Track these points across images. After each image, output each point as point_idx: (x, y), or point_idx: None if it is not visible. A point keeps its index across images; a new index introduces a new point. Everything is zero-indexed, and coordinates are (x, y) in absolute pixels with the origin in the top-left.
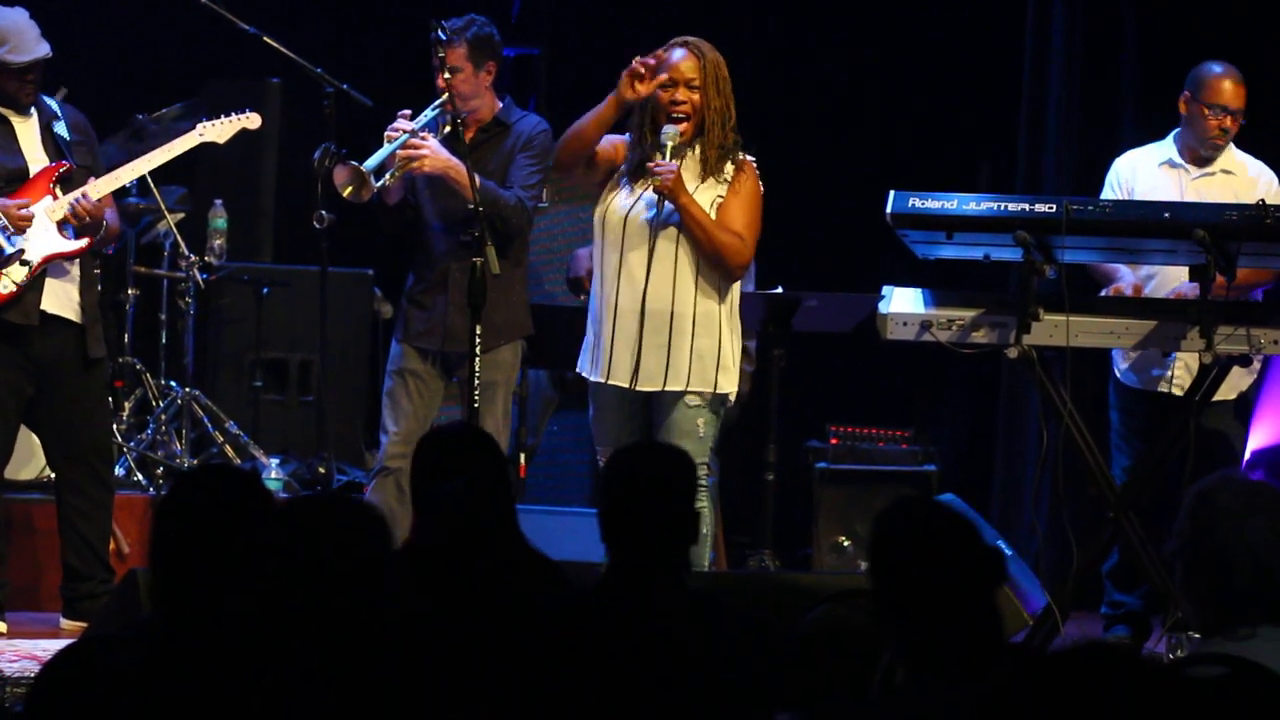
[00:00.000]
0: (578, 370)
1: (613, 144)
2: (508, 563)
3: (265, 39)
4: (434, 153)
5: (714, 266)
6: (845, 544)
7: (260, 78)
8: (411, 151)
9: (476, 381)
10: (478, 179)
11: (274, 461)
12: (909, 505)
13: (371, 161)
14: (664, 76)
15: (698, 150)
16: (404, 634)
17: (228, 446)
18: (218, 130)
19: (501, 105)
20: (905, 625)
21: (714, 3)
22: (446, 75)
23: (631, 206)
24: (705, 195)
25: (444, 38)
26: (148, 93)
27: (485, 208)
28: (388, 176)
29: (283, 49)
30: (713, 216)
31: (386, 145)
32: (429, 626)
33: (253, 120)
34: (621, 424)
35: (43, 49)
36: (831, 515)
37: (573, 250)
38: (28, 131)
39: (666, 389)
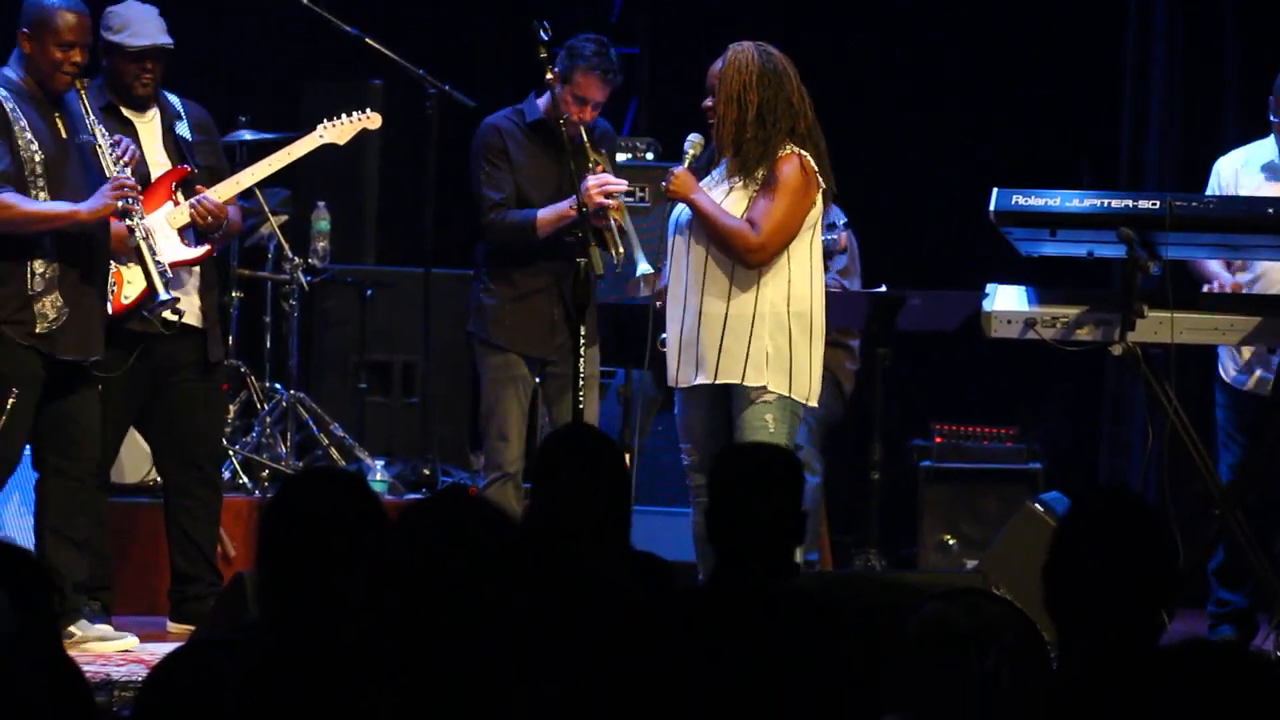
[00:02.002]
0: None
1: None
2: (616, 562)
3: (367, 40)
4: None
5: (727, 255)
6: (950, 542)
7: (362, 79)
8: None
9: (582, 379)
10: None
11: (379, 463)
12: (1113, 496)
13: (640, 255)
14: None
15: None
16: (512, 632)
17: (332, 449)
18: (337, 131)
19: None
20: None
21: (828, 7)
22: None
23: (679, 212)
24: (738, 196)
25: (545, 37)
26: (249, 95)
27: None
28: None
29: (385, 50)
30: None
31: (622, 222)
32: (538, 625)
33: (373, 120)
34: (697, 421)
35: (163, 37)
36: (936, 514)
37: None
38: (150, 133)
39: (708, 382)
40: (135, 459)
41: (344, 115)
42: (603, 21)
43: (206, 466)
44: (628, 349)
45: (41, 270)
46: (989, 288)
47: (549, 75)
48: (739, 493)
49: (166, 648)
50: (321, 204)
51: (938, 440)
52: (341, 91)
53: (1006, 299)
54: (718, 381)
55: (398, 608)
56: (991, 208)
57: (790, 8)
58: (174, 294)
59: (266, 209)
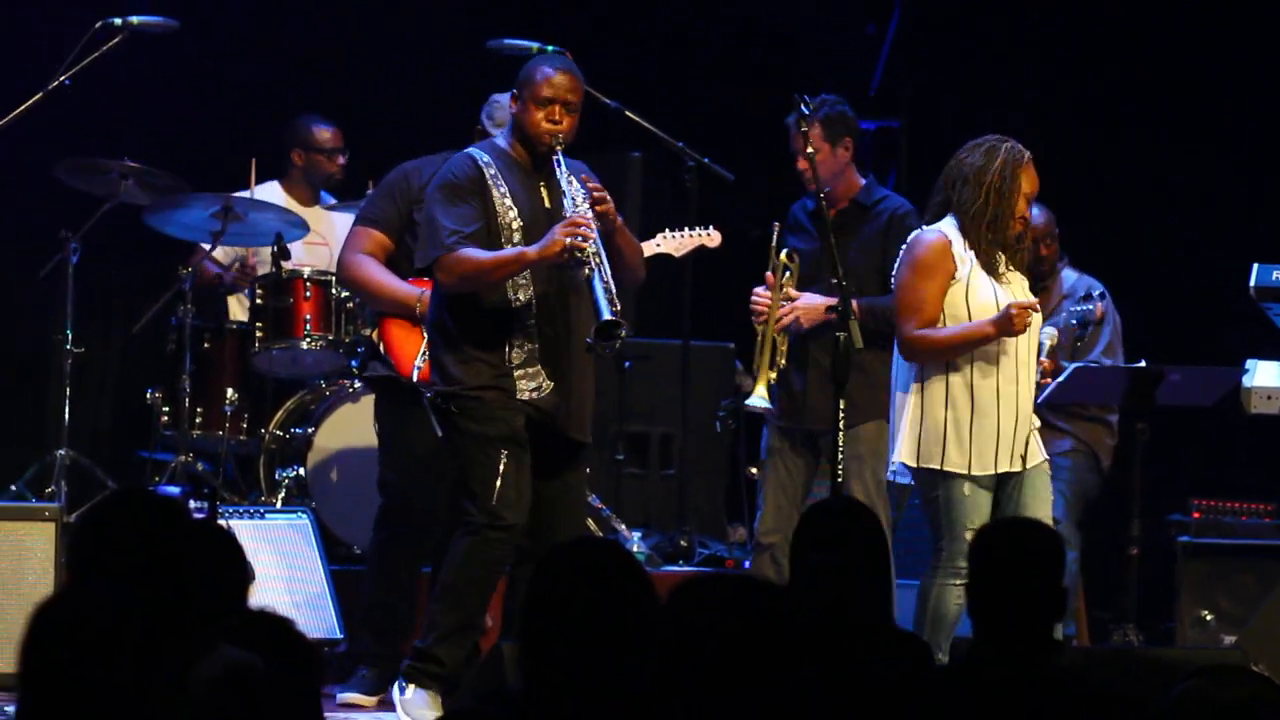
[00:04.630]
0: (943, 466)
1: (939, 246)
2: (876, 636)
3: (627, 113)
4: (804, 315)
5: None
6: (1208, 618)
7: (622, 151)
8: (787, 322)
9: (841, 456)
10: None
11: (636, 535)
12: None
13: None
14: (1029, 191)
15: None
16: (767, 706)
17: (589, 520)
18: (675, 243)
19: (863, 185)
20: None
21: (1070, 72)
22: (806, 157)
23: (1012, 298)
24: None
25: (806, 111)
26: None
27: (874, 324)
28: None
29: (644, 123)
30: None
31: (763, 340)
32: (795, 699)
33: (713, 239)
34: (987, 502)
35: None
36: (1195, 589)
37: None
38: None
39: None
40: None
41: (685, 229)
42: (862, 94)
43: None
44: None
45: (520, 344)
46: (1249, 363)
47: (810, 149)
48: (1002, 568)
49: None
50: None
51: (1196, 516)
52: (601, 164)
53: (1266, 375)
54: (1039, 461)
55: (665, 678)
56: (1252, 283)
57: (1046, 79)
58: (623, 319)
59: None
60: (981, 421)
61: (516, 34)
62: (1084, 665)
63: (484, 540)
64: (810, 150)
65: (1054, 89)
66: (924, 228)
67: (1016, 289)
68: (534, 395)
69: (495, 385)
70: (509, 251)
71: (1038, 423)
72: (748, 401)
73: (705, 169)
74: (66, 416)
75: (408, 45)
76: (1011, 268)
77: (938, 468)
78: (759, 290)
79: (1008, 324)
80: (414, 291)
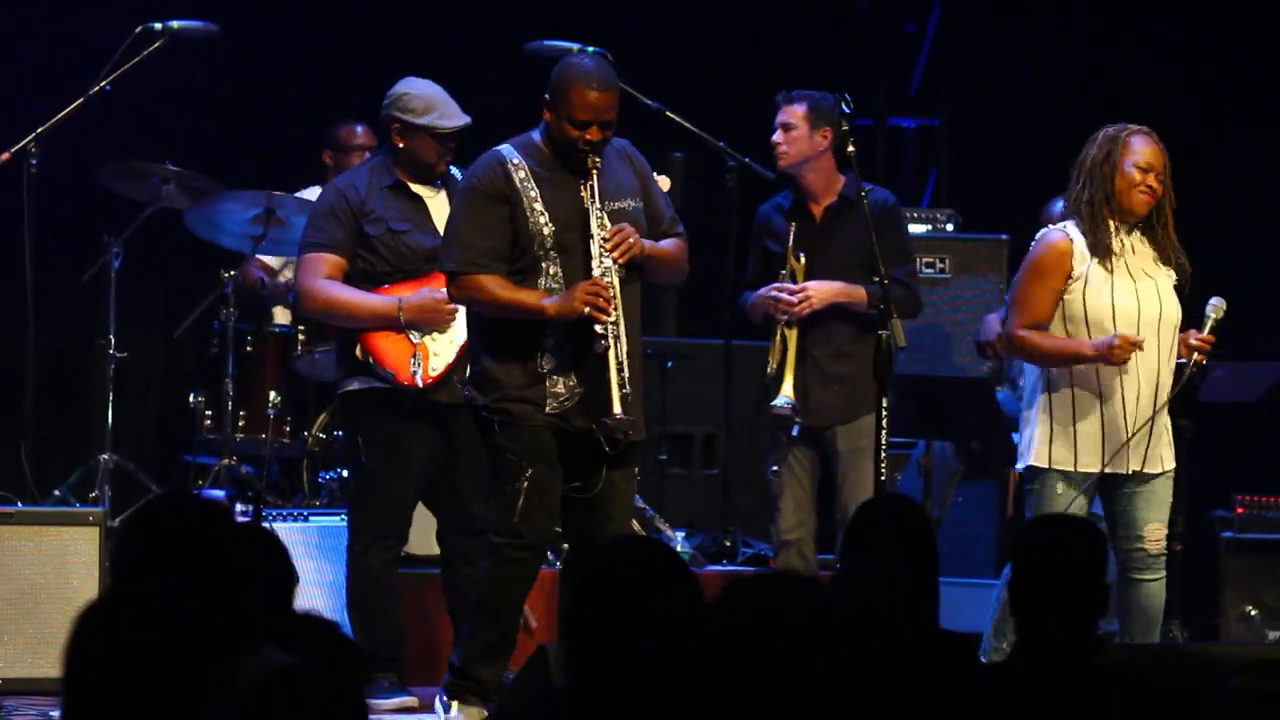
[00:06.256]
0: (1036, 460)
1: (1059, 248)
2: (917, 636)
3: (668, 113)
4: (816, 293)
5: None
6: (1253, 613)
7: (663, 152)
8: (794, 311)
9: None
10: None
11: (679, 535)
12: None
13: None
14: (1141, 161)
15: (1148, 238)
16: (809, 706)
17: (633, 520)
18: None
19: (845, 180)
20: None
21: (1112, 67)
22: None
23: (1136, 297)
24: (1168, 283)
25: (848, 110)
26: None
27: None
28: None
29: (685, 123)
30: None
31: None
32: (837, 697)
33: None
34: (1082, 506)
35: (465, 118)
36: (1239, 585)
37: (980, 318)
38: (438, 207)
39: (1163, 470)
40: (423, 532)
41: None
42: (903, 95)
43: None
44: (929, 420)
45: (553, 347)
46: None
47: (850, 149)
48: (1044, 564)
49: None
50: None
51: (1239, 511)
52: None
53: None
54: (1164, 469)
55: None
56: None
57: (1087, 76)
58: (630, 415)
59: None
60: (1085, 420)
61: (555, 35)
62: (1128, 661)
63: (505, 560)
64: (851, 150)
65: (1095, 85)
66: (1049, 228)
67: (1145, 287)
68: (564, 405)
69: (525, 396)
70: (527, 298)
71: (1168, 423)
72: (774, 403)
73: (746, 169)
74: (110, 421)
75: (448, 48)
76: (1160, 263)
77: (1038, 464)
78: (781, 285)
79: (1108, 353)
80: (393, 300)
